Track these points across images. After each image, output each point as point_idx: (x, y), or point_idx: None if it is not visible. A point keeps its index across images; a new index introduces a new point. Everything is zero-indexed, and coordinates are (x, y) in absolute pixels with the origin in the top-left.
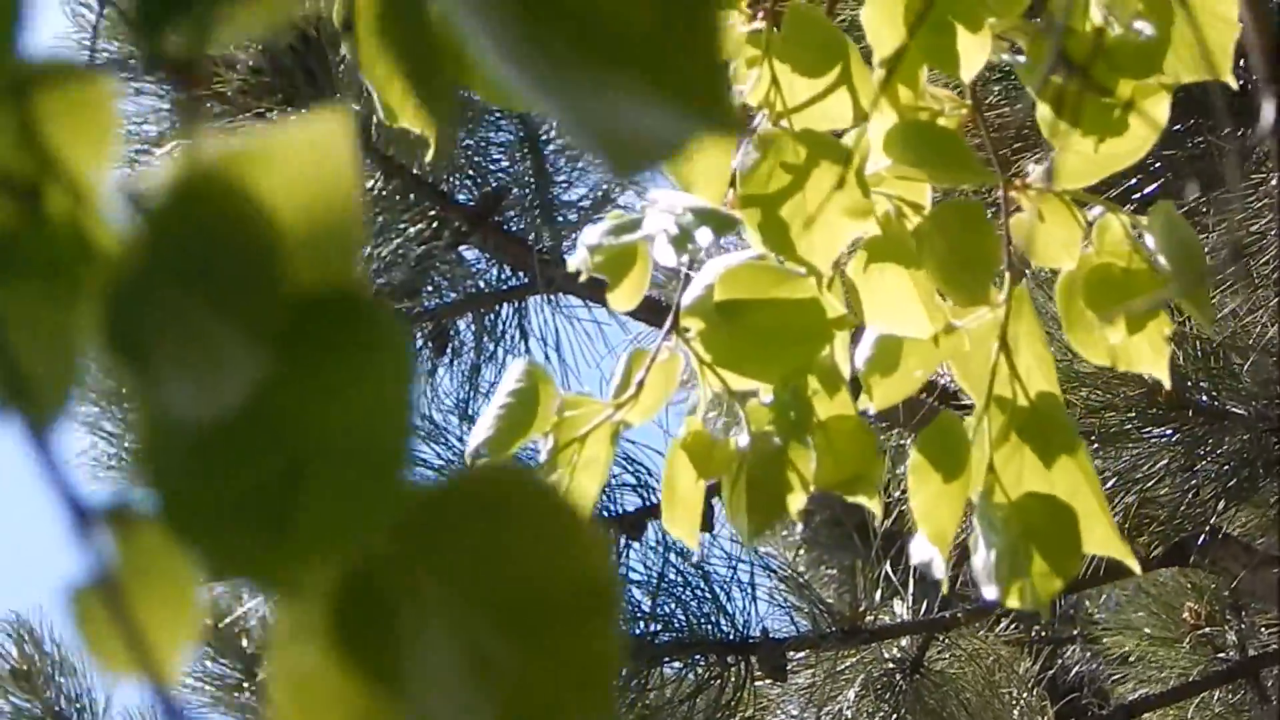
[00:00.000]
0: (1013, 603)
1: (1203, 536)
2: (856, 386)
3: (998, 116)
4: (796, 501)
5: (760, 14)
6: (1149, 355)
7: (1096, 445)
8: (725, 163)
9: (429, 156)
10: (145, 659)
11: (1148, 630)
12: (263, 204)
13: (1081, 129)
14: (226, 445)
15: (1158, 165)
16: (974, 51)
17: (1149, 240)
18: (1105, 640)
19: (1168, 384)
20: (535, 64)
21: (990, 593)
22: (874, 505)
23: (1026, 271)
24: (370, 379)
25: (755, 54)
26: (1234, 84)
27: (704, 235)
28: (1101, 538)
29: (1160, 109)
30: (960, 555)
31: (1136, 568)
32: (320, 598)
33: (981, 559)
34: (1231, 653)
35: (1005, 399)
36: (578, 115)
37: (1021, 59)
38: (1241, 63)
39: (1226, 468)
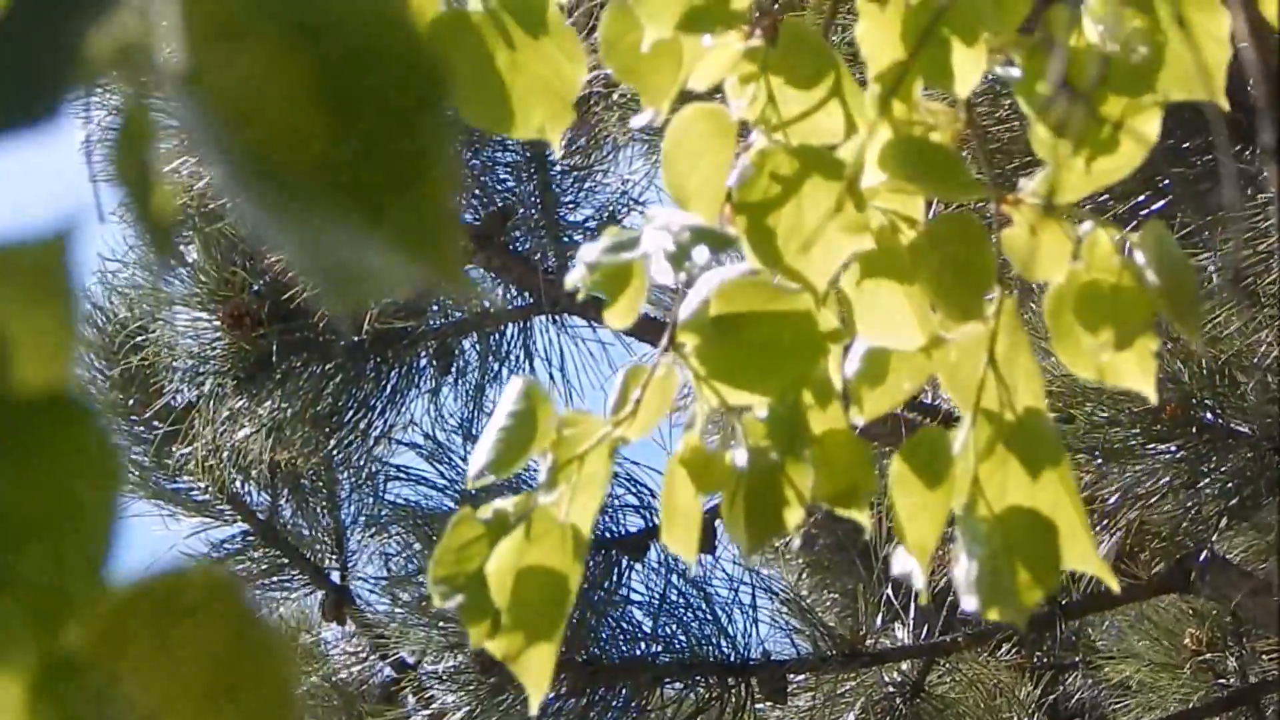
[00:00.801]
0: (993, 615)
1: (1203, 555)
2: (846, 401)
3: (990, 128)
4: (794, 516)
5: (757, 30)
6: (1135, 371)
7: (1100, 461)
8: (721, 179)
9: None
10: None
11: (1149, 657)
12: None
13: (1075, 146)
14: None
15: (1166, 182)
16: (969, 67)
17: (1138, 257)
18: (1106, 667)
19: (1154, 400)
20: (271, 205)
21: (970, 604)
22: (864, 519)
23: (1014, 285)
24: (77, 481)
25: (752, 70)
26: (1225, 105)
27: (701, 253)
28: (1081, 554)
29: (1151, 126)
30: None
31: (1115, 585)
32: (20, 682)
33: (963, 570)
34: (1232, 679)
35: (993, 412)
36: (306, 254)
37: (1015, 73)
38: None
39: (1230, 486)
